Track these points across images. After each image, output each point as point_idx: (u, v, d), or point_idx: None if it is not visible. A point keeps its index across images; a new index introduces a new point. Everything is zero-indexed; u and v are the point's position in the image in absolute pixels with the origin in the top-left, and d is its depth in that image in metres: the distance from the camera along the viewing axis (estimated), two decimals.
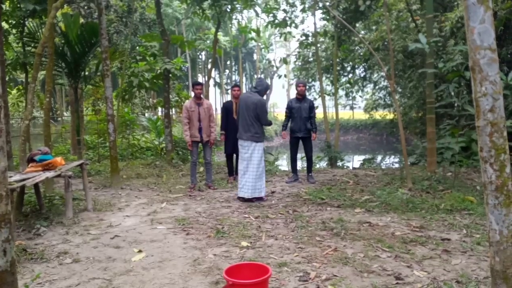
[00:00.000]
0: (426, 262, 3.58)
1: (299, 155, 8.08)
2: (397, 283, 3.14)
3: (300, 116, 7.36)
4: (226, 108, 7.74)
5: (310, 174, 7.72)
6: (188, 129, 6.95)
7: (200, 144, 7.22)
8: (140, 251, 4.06)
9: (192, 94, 7.30)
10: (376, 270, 3.41)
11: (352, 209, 5.53)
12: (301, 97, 7.45)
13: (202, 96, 7.09)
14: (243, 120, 6.10)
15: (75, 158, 10.11)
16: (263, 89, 6.21)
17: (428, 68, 7.15)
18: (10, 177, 4.90)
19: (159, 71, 10.84)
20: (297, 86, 7.58)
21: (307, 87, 24.82)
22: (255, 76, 36.79)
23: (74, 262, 3.81)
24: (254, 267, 2.93)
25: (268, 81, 40.88)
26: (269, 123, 6.39)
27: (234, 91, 7.86)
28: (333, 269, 3.46)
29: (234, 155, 7.75)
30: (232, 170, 7.91)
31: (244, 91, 18.55)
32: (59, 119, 20.66)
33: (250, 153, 6.05)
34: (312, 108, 7.46)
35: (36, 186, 5.66)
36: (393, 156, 17.29)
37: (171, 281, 3.31)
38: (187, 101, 7.29)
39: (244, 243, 4.16)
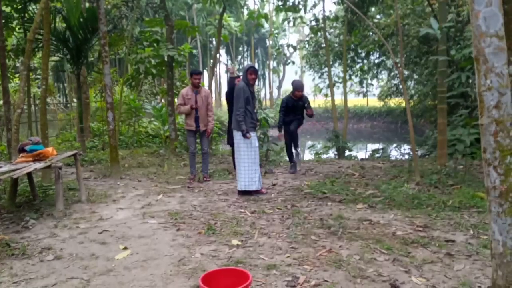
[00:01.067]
0: (426, 267, 3.32)
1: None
2: None
3: (295, 113, 7.32)
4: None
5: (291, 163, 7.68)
6: (182, 106, 6.74)
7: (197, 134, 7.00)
8: (125, 248, 3.88)
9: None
10: (371, 275, 3.16)
11: (354, 204, 5.27)
12: (297, 98, 7.21)
13: (199, 85, 6.85)
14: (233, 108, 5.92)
15: (79, 145, 10.03)
16: (242, 74, 5.96)
17: (440, 55, 6.77)
18: (0, 167, 4.78)
19: (164, 57, 10.62)
20: (295, 91, 7.21)
21: (320, 73, 24.46)
22: (267, 62, 36.31)
23: (56, 259, 3.65)
24: (234, 273, 2.72)
25: (281, 67, 40.39)
26: (237, 115, 5.75)
27: (239, 79, 7.54)
28: (324, 273, 3.23)
29: None
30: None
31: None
32: (68, 105, 20.67)
33: (237, 143, 5.82)
34: (307, 104, 7.38)
35: (29, 176, 5.54)
36: (405, 146, 16.85)
37: (151, 283, 3.13)
38: (184, 88, 7.03)
39: (234, 242, 3.96)
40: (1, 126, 10.98)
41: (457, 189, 5.70)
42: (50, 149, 5.26)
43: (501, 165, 2.20)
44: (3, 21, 8.29)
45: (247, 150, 5.73)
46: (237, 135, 5.80)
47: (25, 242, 4.03)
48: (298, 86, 7.19)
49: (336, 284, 3.03)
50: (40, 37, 8.21)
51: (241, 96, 5.66)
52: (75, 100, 23.00)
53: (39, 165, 4.87)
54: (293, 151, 7.52)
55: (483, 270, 3.23)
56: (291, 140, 7.47)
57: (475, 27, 2.22)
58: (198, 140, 7.55)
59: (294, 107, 7.25)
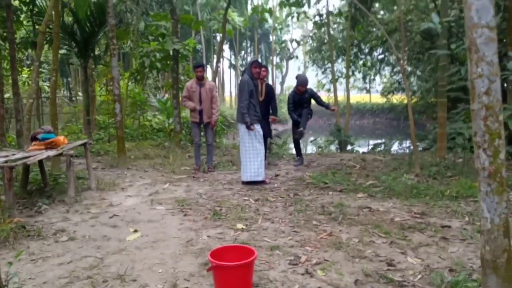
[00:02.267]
0: (421, 249, 3.50)
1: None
2: (388, 269, 3.08)
3: (302, 106, 7.39)
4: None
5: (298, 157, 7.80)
6: (188, 101, 6.89)
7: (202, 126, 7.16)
8: (135, 230, 4.08)
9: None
10: (368, 255, 3.34)
11: (354, 194, 5.44)
12: (301, 93, 7.34)
13: (203, 77, 6.99)
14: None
15: (86, 137, 10.22)
16: (246, 68, 6.13)
17: (441, 50, 6.91)
18: (13, 155, 4.97)
19: (170, 51, 10.78)
20: (298, 86, 7.28)
21: (323, 68, 24.58)
22: (270, 58, 36.40)
23: (70, 240, 3.85)
24: (240, 249, 2.90)
25: (284, 63, 40.47)
26: (241, 107, 5.96)
27: (264, 71, 7.32)
28: (325, 253, 3.41)
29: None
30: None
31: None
32: (74, 98, 20.88)
33: (242, 135, 6.00)
34: (314, 95, 7.47)
35: (41, 164, 5.73)
36: (407, 141, 16.99)
37: (162, 261, 3.32)
38: (188, 81, 7.17)
39: (239, 226, 4.14)
40: (9, 117, 11.19)
41: (455, 180, 5.87)
42: (61, 137, 5.45)
43: (490, 147, 2.36)
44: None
45: (252, 142, 5.92)
46: (241, 127, 5.98)
47: (39, 225, 4.22)
48: (301, 81, 7.28)
49: (335, 263, 3.21)
50: (48, 30, 8.39)
51: (245, 89, 5.84)
52: (79, 93, 23.24)
53: (51, 152, 5.06)
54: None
55: (475, 253, 3.39)
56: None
57: (467, 19, 2.38)
58: (202, 133, 7.71)
59: (300, 101, 7.34)
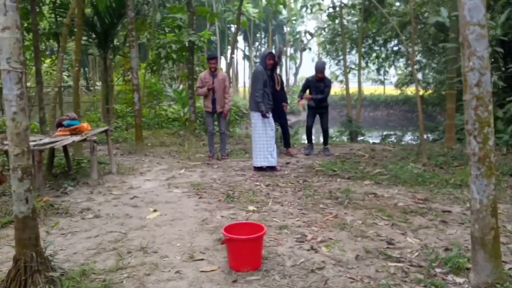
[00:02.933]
0: (421, 231, 3.74)
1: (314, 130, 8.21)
2: (387, 247, 3.34)
3: (316, 93, 7.53)
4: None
5: (326, 147, 7.85)
6: (201, 91, 7.18)
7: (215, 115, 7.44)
8: (155, 210, 4.40)
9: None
10: (370, 235, 3.60)
11: (361, 181, 5.68)
12: (319, 79, 7.52)
13: (216, 68, 7.26)
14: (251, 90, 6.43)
15: (105, 125, 10.61)
16: (261, 59, 6.42)
17: (451, 43, 7.05)
18: (40, 140, 5.33)
19: (186, 43, 11.06)
20: (317, 72, 7.45)
21: (336, 60, 24.59)
22: (285, 49, 36.45)
23: (95, 217, 4.19)
24: (252, 226, 3.19)
25: (298, 54, 40.46)
26: (256, 96, 6.18)
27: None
28: (330, 233, 3.68)
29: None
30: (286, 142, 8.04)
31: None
32: (92, 88, 21.37)
33: (255, 122, 6.27)
34: (327, 86, 7.58)
35: (65, 149, 6.09)
36: (418, 132, 17.04)
37: (180, 236, 3.63)
38: (202, 72, 7.45)
39: (251, 208, 4.43)
40: (31, 105, 11.63)
41: (461, 170, 6.05)
42: (85, 124, 5.80)
43: (480, 134, 2.59)
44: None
45: (265, 129, 6.21)
46: (254, 115, 6.25)
47: (66, 204, 4.57)
48: (318, 68, 7.48)
49: (339, 241, 3.48)
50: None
51: (260, 78, 6.11)
52: (97, 83, 23.75)
53: (76, 138, 5.41)
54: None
55: None
56: (312, 122, 7.78)
57: (461, 17, 2.60)
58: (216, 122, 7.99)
59: (317, 88, 7.49)
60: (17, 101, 2.40)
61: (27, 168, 2.47)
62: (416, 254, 3.21)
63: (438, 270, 2.91)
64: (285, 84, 7.78)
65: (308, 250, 3.30)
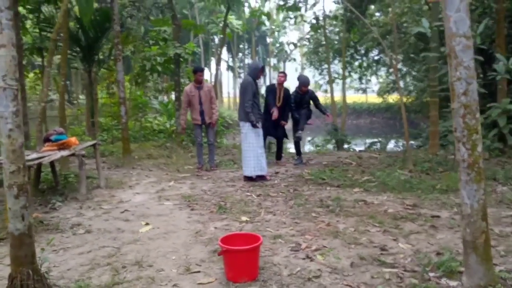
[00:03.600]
0: (412, 236, 3.81)
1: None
2: (381, 253, 3.39)
3: (301, 106, 7.64)
4: (271, 92, 7.62)
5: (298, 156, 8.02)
6: (184, 113, 7.21)
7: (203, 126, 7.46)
8: (147, 223, 4.38)
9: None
10: (363, 242, 3.66)
11: (351, 188, 5.75)
12: (303, 93, 7.62)
13: (202, 80, 7.31)
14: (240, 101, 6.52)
15: (89, 139, 10.50)
16: (251, 71, 6.52)
17: (432, 52, 7.24)
18: (28, 155, 5.26)
19: (170, 55, 11.08)
20: (301, 86, 7.55)
21: (320, 69, 24.95)
22: (268, 59, 36.77)
23: (86, 232, 4.15)
24: (248, 236, 3.21)
25: (281, 65, 40.82)
26: (246, 106, 6.24)
27: (282, 77, 7.68)
28: (323, 241, 3.72)
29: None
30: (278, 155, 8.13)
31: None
32: (75, 102, 21.15)
33: (245, 132, 6.32)
34: (314, 98, 7.72)
35: (52, 164, 6.01)
36: (402, 140, 17.34)
37: (174, 249, 3.62)
38: (187, 86, 7.46)
39: (244, 218, 4.45)
40: None
41: (446, 175, 6.19)
42: (73, 139, 5.75)
43: (469, 141, 2.68)
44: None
45: (255, 138, 6.26)
46: (244, 125, 6.31)
47: (56, 220, 4.52)
48: (303, 82, 7.58)
49: (333, 249, 3.52)
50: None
51: (249, 89, 6.21)
52: (80, 96, 23.50)
53: (64, 153, 5.35)
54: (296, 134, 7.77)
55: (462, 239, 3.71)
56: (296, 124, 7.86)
57: (447, 29, 2.70)
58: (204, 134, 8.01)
59: (300, 101, 7.61)
60: (13, 118, 2.39)
61: (23, 185, 2.46)
62: (409, 259, 3.27)
63: (431, 274, 2.97)
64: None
65: (304, 258, 3.33)
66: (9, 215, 2.46)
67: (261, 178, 6.35)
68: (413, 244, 3.61)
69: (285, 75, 7.81)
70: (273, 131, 7.56)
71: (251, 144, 6.28)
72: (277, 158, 8.05)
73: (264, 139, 7.84)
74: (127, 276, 3.07)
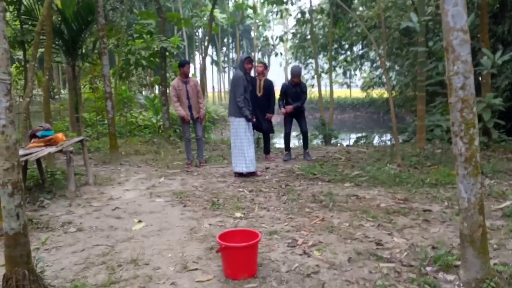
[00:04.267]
0: (406, 230, 3.85)
1: (294, 133, 8.26)
2: (377, 248, 3.41)
3: (293, 99, 7.49)
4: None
5: (306, 151, 7.88)
6: (179, 105, 7.08)
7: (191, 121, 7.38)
8: (140, 221, 4.31)
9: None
10: (359, 237, 3.68)
11: (342, 183, 5.78)
12: (295, 84, 7.56)
13: (189, 75, 7.23)
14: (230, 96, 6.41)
15: (74, 135, 10.30)
16: (239, 64, 6.44)
17: (419, 47, 7.31)
18: None
19: (156, 49, 10.92)
20: (293, 77, 7.47)
21: (305, 64, 24.99)
22: (252, 54, 36.67)
23: (78, 231, 4.07)
24: (245, 233, 3.19)
25: (266, 59, 40.78)
26: (238, 101, 6.17)
27: (260, 67, 7.66)
28: (319, 236, 3.72)
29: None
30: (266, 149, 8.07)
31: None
32: (57, 96, 20.73)
33: (235, 128, 6.27)
34: (303, 91, 7.59)
35: (38, 161, 5.87)
36: (388, 134, 17.54)
37: (169, 247, 3.57)
38: (173, 80, 7.35)
39: (238, 214, 4.43)
40: None
41: (435, 169, 6.27)
42: (60, 135, 5.62)
43: (466, 135, 2.70)
44: None
45: (245, 134, 6.19)
46: (234, 120, 6.24)
47: (46, 218, 4.41)
48: (294, 72, 7.49)
49: (330, 244, 3.53)
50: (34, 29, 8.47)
51: (241, 84, 6.10)
52: (62, 91, 23.04)
53: (52, 149, 5.23)
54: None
55: (455, 233, 3.76)
56: (290, 127, 7.77)
57: (444, 23, 2.70)
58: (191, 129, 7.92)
59: (293, 93, 7.48)
60: (6, 114, 2.31)
61: (17, 183, 2.38)
62: (405, 253, 3.30)
63: (428, 268, 3.00)
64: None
65: (301, 254, 3.33)
66: (3, 214, 2.38)
67: (251, 174, 6.33)
68: (407, 238, 3.64)
69: (264, 65, 7.80)
70: (260, 125, 7.48)
71: (242, 139, 6.22)
72: (265, 152, 8.01)
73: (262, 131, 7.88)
74: (124, 275, 3.02)
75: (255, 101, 7.10)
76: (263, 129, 7.62)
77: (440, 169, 6.23)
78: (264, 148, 8.03)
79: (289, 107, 7.46)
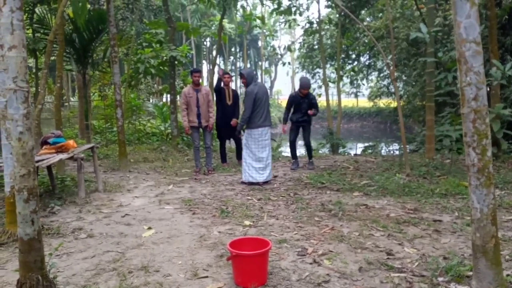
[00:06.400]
0: (417, 240, 3.83)
1: (301, 142, 8.28)
2: (388, 258, 3.40)
3: (301, 110, 7.52)
4: (219, 92, 7.97)
5: (310, 160, 7.88)
6: (186, 115, 7.19)
7: (200, 130, 7.47)
8: (149, 228, 4.33)
9: (205, 81, 7.62)
10: (369, 246, 3.66)
11: (350, 192, 5.77)
12: (303, 96, 7.55)
13: (200, 82, 7.33)
14: (263, 108, 6.45)
15: (83, 142, 10.39)
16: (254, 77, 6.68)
17: (428, 57, 7.31)
18: None
19: (165, 58, 11.03)
20: (302, 88, 7.45)
21: (312, 73, 25.06)
22: (259, 63, 36.84)
23: (88, 237, 4.09)
24: (256, 241, 3.19)
25: (273, 68, 40.95)
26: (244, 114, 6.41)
27: (225, 78, 7.94)
28: (329, 245, 3.72)
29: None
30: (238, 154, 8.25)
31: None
32: (66, 104, 20.93)
33: (246, 138, 6.39)
34: (314, 104, 7.59)
35: (49, 168, 5.93)
36: (395, 144, 17.48)
37: (179, 254, 3.58)
38: (185, 87, 7.47)
39: (247, 222, 4.43)
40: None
41: (444, 179, 6.24)
42: (71, 141, 5.68)
43: (479, 146, 2.70)
44: None
45: (255, 146, 6.31)
46: (244, 133, 6.33)
47: (56, 224, 4.45)
48: (303, 84, 7.49)
49: (340, 253, 3.52)
50: (46, 37, 8.60)
51: (252, 98, 6.25)
52: (72, 98, 23.27)
53: (63, 156, 5.28)
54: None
55: (466, 243, 3.74)
56: (296, 136, 7.77)
57: (457, 35, 2.72)
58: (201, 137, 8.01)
59: (300, 104, 7.48)
60: (23, 121, 2.35)
61: (33, 189, 2.41)
62: (416, 263, 3.28)
63: (440, 279, 2.98)
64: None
65: (311, 263, 3.32)
66: (18, 220, 2.41)
67: (253, 183, 6.36)
68: (418, 248, 3.62)
69: (230, 76, 8.14)
70: (227, 132, 7.99)
71: (254, 149, 6.30)
72: (238, 158, 8.24)
73: (224, 139, 8.34)
74: (135, 281, 3.03)
75: (225, 109, 7.81)
76: (234, 137, 8.03)
77: (449, 179, 6.19)
78: (237, 154, 8.31)
79: (285, 126, 7.90)
